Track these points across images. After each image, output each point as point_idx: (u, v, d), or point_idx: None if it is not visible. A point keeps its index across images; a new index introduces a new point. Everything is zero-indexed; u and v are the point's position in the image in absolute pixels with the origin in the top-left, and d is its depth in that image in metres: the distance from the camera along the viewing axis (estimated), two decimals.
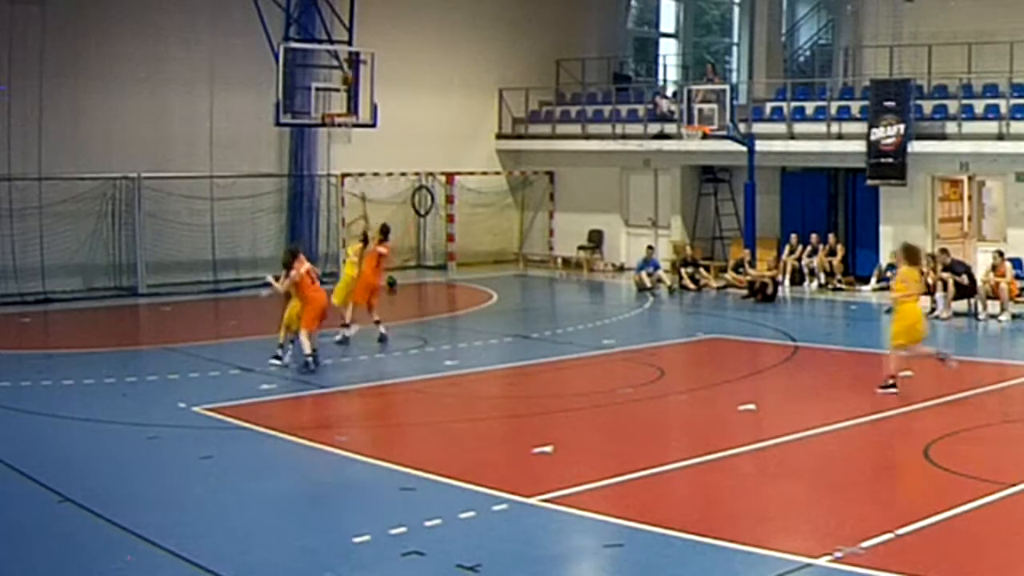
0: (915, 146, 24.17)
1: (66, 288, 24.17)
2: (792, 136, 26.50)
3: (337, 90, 23.06)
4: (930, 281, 21.51)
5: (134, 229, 25.14)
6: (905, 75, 25.38)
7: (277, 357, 16.56)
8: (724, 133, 25.63)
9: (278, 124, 23.38)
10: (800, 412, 13.95)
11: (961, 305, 21.30)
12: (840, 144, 25.64)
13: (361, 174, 28.14)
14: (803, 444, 12.40)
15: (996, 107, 23.77)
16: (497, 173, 31.85)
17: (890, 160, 24.39)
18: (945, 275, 21.22)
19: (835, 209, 27.48)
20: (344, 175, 28.03)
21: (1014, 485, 10.36)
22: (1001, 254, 21.87)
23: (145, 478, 11.20)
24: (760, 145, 26.16)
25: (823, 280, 25.54)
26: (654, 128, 28.82)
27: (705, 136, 25.97)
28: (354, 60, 22.96)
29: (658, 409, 14.59)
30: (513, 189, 32.19)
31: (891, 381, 14.44)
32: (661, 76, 34.79)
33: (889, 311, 17.25)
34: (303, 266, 16.38)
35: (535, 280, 29.04)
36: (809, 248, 25.92)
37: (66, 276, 24.30)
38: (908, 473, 11.61)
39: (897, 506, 10.18)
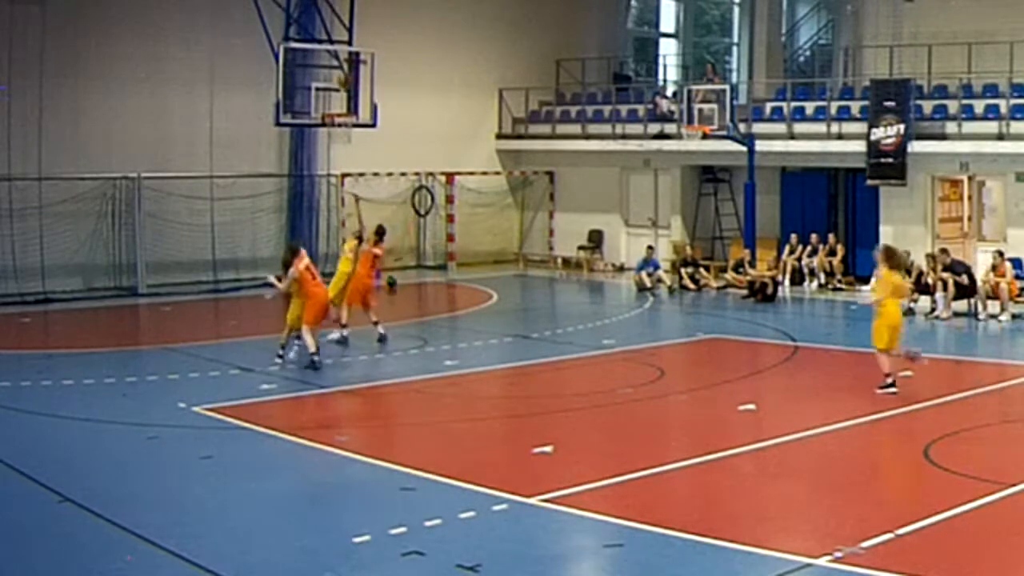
0: (915, 146, 24.17)
1: (66, 288, 24.17)
2: (792, 136, 26.50)
3: (337, 90, 23.06)
4: (930, 281, 21.57)
5: (134, 229, 25.14)
6: (905, 75, 25.38)
7: (279, 356, 16.59)
8: (724, 133, 25.63)
9: (278, 124, 23.36)
10: (800, 412, 13.94)
11: (961, 305, 21.31)
12: (840, 144, 25.64)
13: (361, 174, 28.13)
14: (803, 444, 12.40)
15: (996, 107, 23.77)
16: (497, 173, 31.85)
17: (890, 160, 24.39)
18: (945, 275, 21.23)
19: (835, 209, 27.49)
20: (344, 175, 28.02)
21: (1014, 485, 10.36)
22: (1001, 254, 21.87)
23: (145, 478, 11.20)
24: (760, 145, 26.16)
25: (823, 280, 25.55)
26: (654, 128, 28.82)
27: (705, 136, 25.97)
28: (354, 60, 22.95)
29: (658, 409, 14.59)
30: (513, 189, 32.20)
31: (890, 381, 14.44)
32: (661, 76, 34.80)
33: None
34: (302, 262, 16.40)
35: (535, 280, 29.05)
36: (809, 248, 25.92)
37: (66, 276, 24.29)
38: (908, 473, 11.61)
39: (897, 506, 10.18)
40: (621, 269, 29.63)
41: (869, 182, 24.92)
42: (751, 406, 14.08)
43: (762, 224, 26.64)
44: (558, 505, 10.04)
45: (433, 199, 30.12)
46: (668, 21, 37.33)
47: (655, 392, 15.31)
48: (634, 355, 18.07)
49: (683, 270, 26.14)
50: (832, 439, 12.62)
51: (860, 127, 25.12)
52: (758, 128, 26.82)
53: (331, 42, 23.63)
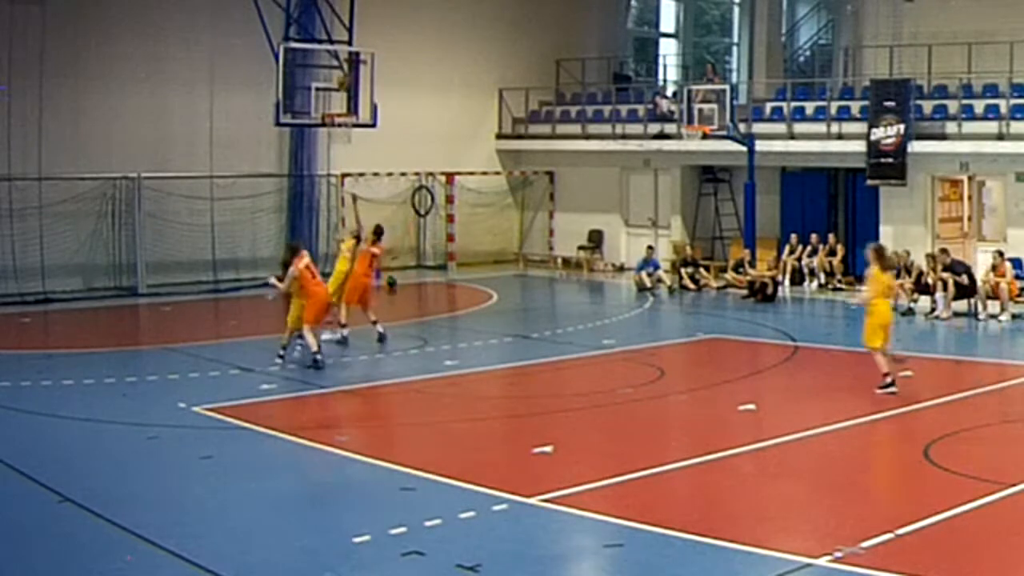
0: (915, 146, 24.16)
1: (66, 288, 24.17)
2: (792, 136, 26.49)
3: (337, 90, 23.06)
4: (930, 281, 21.57)
5: (134, 229, 25.13)
6: (905, 75, 25.38)
7: (280, 356, 16.60)
8: (724, 133, 25.63)
9: (278, 124, 23.35)
10: (800, 412, 13.94)
11: (961, 305, 21.30)
12: (840, 144, 25.63)
13: (361, 174, 28.14)
14: (803, 444, 12.40)
15: (996, 107, 23.77)
16: (497, 173, 31.85)
17: (890, 160, 24.39)
18: (945, 275, 21.23)
19: (835, 209, 27.48)
20: (344, 175, 28.02)
21: (1014, 485, 10.37)
22: (1001, 254, 21.87)
23: (145, 478, 11.20)
24: (760, 145, 26.16)
25: (823, 280, 25.54)
26: (654, 128, 28.82)
27: (705, 136, 25.97)
28: (354, 60, 22.94)
29: (658, 409, 14.59)
30: (513, 189, 32.19)
31: (889, 380, 14.44)
32: (661, 76, 34.80)
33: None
34: (302, 261, 16.41)
35: (535, 280, 29.04)
36: (809, 248, 25.92)
37: (66, 276, 24.30)
38: (908, 473, 11.60)
39: (897, 506, 10.18)
40: (621, 269, 29.63)
41: (869, 182, 24.92)
42: (751, 406, 14.08)
43: (762, 224, 26.64)
44: (558, 505, 10.04)
45: (433, 199, 30.12)
46: (668, 21, 37.33)
47: (655, 392, 15.31)
48: (634, 355, 18.07)
49: (683, 270, 26.14)
50: (832, 439, 12.62)
51: (860, 127, 25.12)
52: (758, 128, 26.82)
53: (331, 42, 23.62)
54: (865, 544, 8.83)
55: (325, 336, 17.66)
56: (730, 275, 25.63)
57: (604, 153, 29.69)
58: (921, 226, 24.65)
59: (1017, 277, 21.69)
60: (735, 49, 37.95)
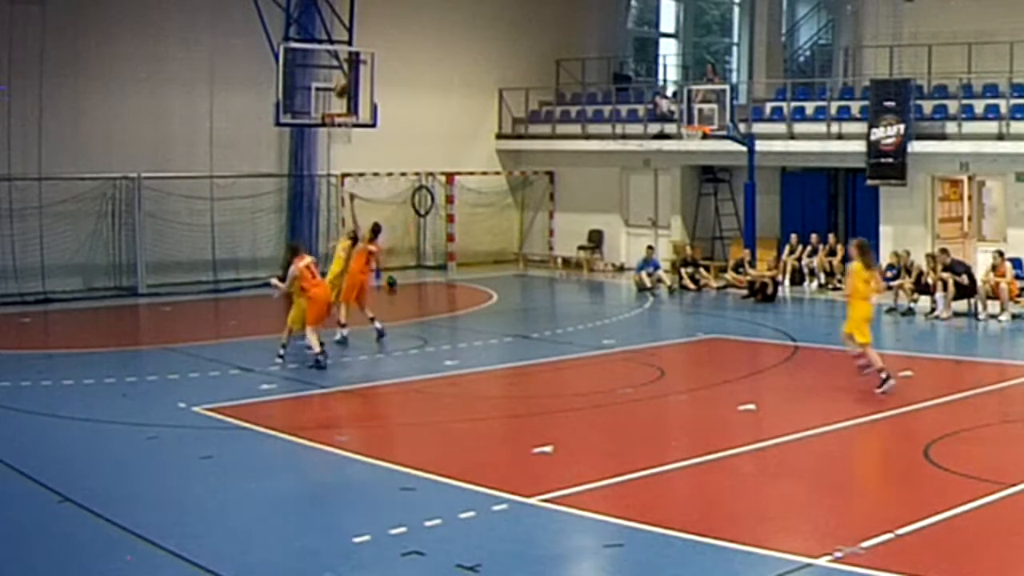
0: (915, 146, 24.17)
1: (66, 288, 24.17)
2: (792, 136, 26.50)
3: (337, 95, 23.03)
4: (930, 281, 21.56)
5: (134, 229, 25.14)
6: (905, 75, 25.38)
7: (280, 356, 16.60)
8: (724, 133, 25.62)
9: (278, 124, 23.34)
10: (800, 412, 13.94)
11: (961, 305, 21.29)
12: (840, 144, 25.64)
13: (361, 174, 28.14)
14: (803, 444, 12.40)
15: (996, 107, 23.77)
16: (497, 173, 31.85)
17: (890, 160, 24.39)
18: (945, 275, 21.22)
19: (835, 209, 27.49)
20: (344, 175, 28.02)
21: (1014, 485, 10.37)
22: (1001, 254, 21.87)
23: (145, 478, 11.21)
24: (760, 145, 26.16)
25: (823, 280, 25.54)
26: (654, 128, 28.82)
27: (705, 136, 25.96)
28: (354, 60, 22.94)
29: (658, 409, 14.59)
30: (513, 189, 32.19)
31: (884, 375, 14.45)
32: (661, 76, 34.81)
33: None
34: (303, 261, 16.42)
35: (535, 280, 29.04)
36: (809, 248, 25.92)
37: (66, 276, 24.30)
38: (908, 473, 11.59)
39: (897, 506, 10.18)
40: (621, 269, 29.63)
41: (869, 182, 24.92)
42: (751, 406, 14.08)
43: (762, 224, 26.64)
44: (558, 505, 10.04)
45: (433, 199, 30.12)
46: (668, 21, 37.34)
47: (655, 392, 15.31)
48: (634, 355, 18.07)
49: (683, 270, 26.14)
50: (832, 439, 12.62)
51: (860, 127, 25.12)
52: (758, 128, 26.82)
53: (331, 42, 23.61)
54: (865, 544, 8.83)
55: (336, 336, 17.67)
56: (730, 275, 25.63)
57: (604, 153, 29.69)
58: (921, 226, 24.65)
59: (1017, 277, 21.70)
60: (735, 49, 37.95)
